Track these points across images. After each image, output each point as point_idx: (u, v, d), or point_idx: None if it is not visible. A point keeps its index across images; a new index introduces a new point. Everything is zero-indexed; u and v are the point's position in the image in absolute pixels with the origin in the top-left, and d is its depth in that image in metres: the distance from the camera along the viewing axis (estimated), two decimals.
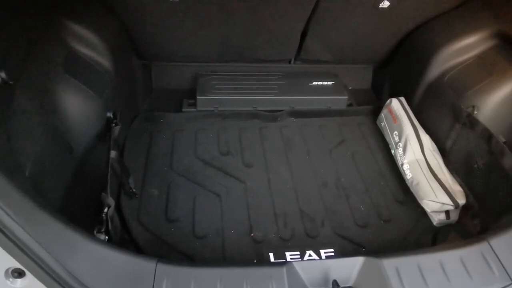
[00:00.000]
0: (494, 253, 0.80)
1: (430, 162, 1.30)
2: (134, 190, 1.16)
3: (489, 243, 0.81)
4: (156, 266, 0.70)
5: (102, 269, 0.65)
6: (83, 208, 0.94)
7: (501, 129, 1.14)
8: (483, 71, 1.24)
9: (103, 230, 0.77)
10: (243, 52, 1.66)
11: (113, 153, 1.01)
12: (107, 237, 0.77)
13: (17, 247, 0.56)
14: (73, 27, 1.10)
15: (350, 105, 1.72)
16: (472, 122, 1.20)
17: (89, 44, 1.15)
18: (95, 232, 0.76)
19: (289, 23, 1.48)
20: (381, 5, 1.36)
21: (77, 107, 1.03)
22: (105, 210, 0.82)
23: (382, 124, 1.56)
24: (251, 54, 1.67)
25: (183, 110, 1.61)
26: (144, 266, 0.69)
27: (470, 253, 0.80)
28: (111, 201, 0.85)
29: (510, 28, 1.20)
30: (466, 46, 1.32)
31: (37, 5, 0.97)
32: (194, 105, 1.61)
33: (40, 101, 0.87)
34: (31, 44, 0.90)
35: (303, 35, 1.58)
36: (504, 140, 1.07)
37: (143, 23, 1.41)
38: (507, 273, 0.77)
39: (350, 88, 1.87)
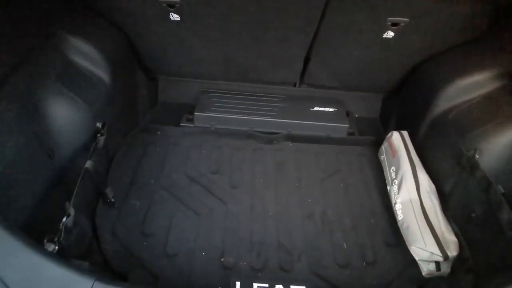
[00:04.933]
0: None
1: (425, 205, 1.19)
2: (112, 200, 1.18)
3: None
4: (93, 285, 0.69)
5: (34, 279, 0.65)
6: (58, 214, 0.97)
7: (503, 177, 1.02)
8: (489, 112, 1.13)
9: (55, 239, 0.79)
10: (247, 73, 1.67)
11: (89, 163, 1.03)
12: (57, 247, 0.78)
13: None
14: (73, 40, 1.17)
15: (351, 133, 1.65)
16: (472, 167, 1.09)
17: (87, 56, 1.21)
18: (45, 240, 0.77)
19: (291, 48, 1.47)
20: (385, 35, 1.31)
21: (65, 115, 1.07)
22: (64, 219, 0.84)
23: (382, 157, 1.48)
24: (254, 75, 1.68)
25: (180, 124, 1.63)
26: (80, 283, 0.69)
27: None
28: (71, 210, 0.87)
29: None
30: (473, 84, 1.22)
31: (39, 16, 1.04)
32: (192, 120, 1.63)
33: (22, 107, 0.92)
34: (26, 52, 0.97)
35: (307, 60, 1.56)
36: (503, 191, 0.96)
37: (147, 40, 1.47)
38: None
39: (356, 116, 1.80)
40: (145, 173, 1.40)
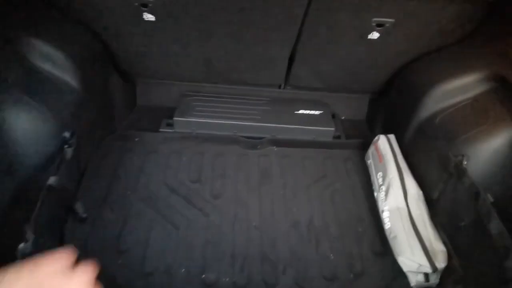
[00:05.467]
0: None
1: (412, 213, 1.15)
2: (83, 215, 1.10)
3: None
4: None
5: None
6: (16, 238, 0.88)
7: (493, 184, 0.99)
8: (477, 116, 1.10)
9: None
10: (229, 75, 1.60)
11: (52, 179, 0.95)
12: None
13: None
14: (35, 43, 1.08)
15: (337, 137, 1.61)
16: (460, 173, 1.05)
17: (52, 60, 1.11)
18: None
19: (273, 49, 1.40)
20: (369, 36, 1.26)
21: (26, 125, 0.98)
22: (20, 245, 0.76)
23: (369, 162, 1.44)
24: (236, 77, 1.61)
25: (160, 130, 1.56)
26: None
27: None
28: (29, 235, 0.79)
29: (510, 70, 1.06)
30: (462, 87, 1.19)
31: None
32: (172, 125, 1.56)
33: None
34: None
35: (291, 61, 1.50)
36: (492, 199, 0.93)
37: (122, 42, 1.38)
38: None
39: (343, 118, 1.76)
40: (122, 183, 1.32)
